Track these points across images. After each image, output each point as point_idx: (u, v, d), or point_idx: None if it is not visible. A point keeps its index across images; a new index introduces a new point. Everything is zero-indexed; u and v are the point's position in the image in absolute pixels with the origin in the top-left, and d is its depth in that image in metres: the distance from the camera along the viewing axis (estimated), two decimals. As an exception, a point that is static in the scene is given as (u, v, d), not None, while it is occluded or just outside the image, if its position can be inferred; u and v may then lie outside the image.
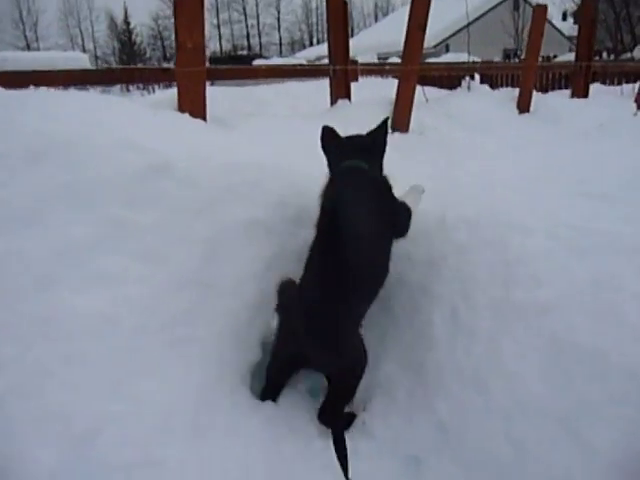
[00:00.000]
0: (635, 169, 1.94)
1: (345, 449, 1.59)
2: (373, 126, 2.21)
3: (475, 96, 6.22)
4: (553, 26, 24.11)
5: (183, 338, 1.60)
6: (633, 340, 1.29)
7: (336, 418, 1.74)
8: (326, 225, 1.80)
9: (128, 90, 14.17)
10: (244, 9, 53.38)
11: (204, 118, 3.55)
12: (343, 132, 4.84)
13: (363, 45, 22.96)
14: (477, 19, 23.80)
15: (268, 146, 2.73)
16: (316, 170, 2.53)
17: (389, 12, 50.63)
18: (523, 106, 6.09)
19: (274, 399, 1.82)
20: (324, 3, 5.05)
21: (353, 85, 5.36)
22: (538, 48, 6.26)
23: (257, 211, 1.95)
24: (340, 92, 5.18)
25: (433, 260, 1.82)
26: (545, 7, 6.18)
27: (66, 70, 4.63)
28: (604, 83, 9.76)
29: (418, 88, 5.26)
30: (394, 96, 4.91)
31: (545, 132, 4.80)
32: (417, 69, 4.94)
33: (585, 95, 7.29)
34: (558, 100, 6.59)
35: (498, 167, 2.38)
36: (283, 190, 2.09)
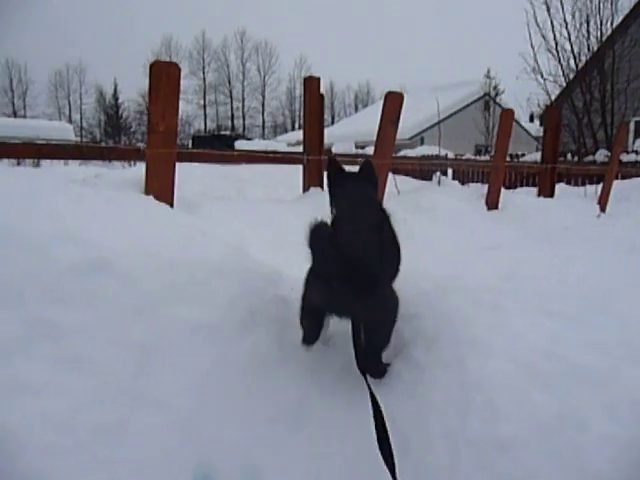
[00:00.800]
0: (601, 287, 1.88)
1: (388, 436, 1.41)
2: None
3: (445, 191, 6.36)
4: (521, 127, 25.59)
5: (103, 460, 1.40)
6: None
7: (376, 366, 1.77)
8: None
9: (110, 160, 14.24)
10: (230, 92, 55.65)
11: (171, 201, 3.49)
12: (306, 217, 4.80)
13: (342, 133, 23.89)
14: (450, 116, 25.15)
15: (230, 237, 2.64)
16: (278, 265, 2.45)
17: (368, 103, 53.38)
18: (492, 203, 6.24)
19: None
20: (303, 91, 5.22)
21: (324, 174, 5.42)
22: (505, 149, 6.52)
23: (202, 313, 1.81)
24: (313, 180, 5.24)
25: (386, 378, 1.69)
26: (512, 111, 6.51)
27: (34, 144, 4.61)
28: (568, 183, 10.18)
29: (390, 179, 5.34)
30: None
31: (512, 231, 4.86)
32: (388, 164, 5.05)
33: (551, 195, 7.55)
34: (525, 199, 6.78)
35: (464, 270, 2.31)
36: (232, 290, 1.96)
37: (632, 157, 12.49)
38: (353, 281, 1.61)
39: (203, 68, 54.52)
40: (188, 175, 7.77)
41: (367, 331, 1.75)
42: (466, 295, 1.93)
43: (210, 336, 1.75)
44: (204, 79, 54.71)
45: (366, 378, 1.60)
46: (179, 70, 3.51)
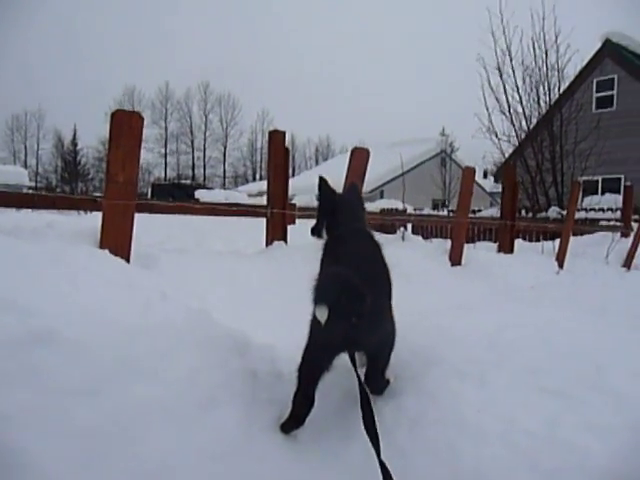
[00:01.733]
0: (591, 360, 1.77)
1: (373, 419, 1.51)
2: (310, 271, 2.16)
3: (409, 246, 6.32)
4: (477, 183, 26.50)
5: None
6: None
7: (379, 384, 1.89)
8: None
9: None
10: (192, 142, 55.81)
11: (127, 256, 3.28)
12: (277, 274, 4.62)
13: (304, 185, 24.04)
14: (409, 170, 25.84)
15: (191, 297, 2.45)
16: (243, 329, 2.26)
17: (329, 157, 54.52)
18: (455, 259, 6.23)
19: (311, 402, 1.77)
20: (267, 144, 5.16)
21: (290, 227, 5.31)
22: (467, 206, 6.59)
23: (160, 390, 1.59)
24: (276, 234, 5.10)
25: (371, 469, 1.50)
26: (473, 169, 6.63)
27: (-20, 193, 4.31)
28: (524, 239, 10.42)
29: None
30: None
31: (477, 288, 4.81)
32: (355, 218, 4.98)
33: (511, 251, 7.65)
34: (487, 255, 6.82)
35: (441, 336, 2.18)
36: (196, 361, 1.75)
37: (582, 214, 12.99)
38: (368, 315, 1.69)
39: (165, 118, 54.71)
40: (145, 224, 7.51)
41: (373, 357, 1.89)
42: (449, 368, 1.79)
43: (169, 418, 1.53)
44: (166, 128, 54.80)
45: (356, 369, 1.70)
46: (142, 120, 3.38)
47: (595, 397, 1.54)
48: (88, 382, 1.48)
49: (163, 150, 54.84)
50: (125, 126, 3.29)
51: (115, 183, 3.34)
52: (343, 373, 1.85)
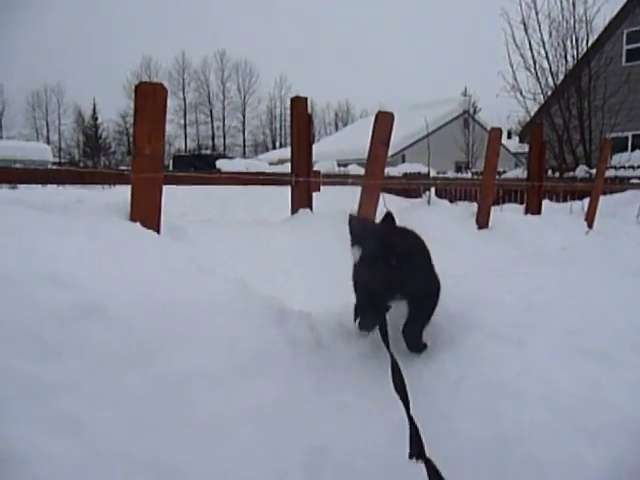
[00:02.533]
0: (630, 322, 1.75)
1: (402, 380, 1.55)
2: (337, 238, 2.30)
3: (435, 210, 6.28)
4: (501, 144, 25.93)
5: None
6: None
7: (419, 338, 1.94)
8: None
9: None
10: (211, 112, 55.57)
11: (157, 228, 3.33)
12: (305, 241, 4.64)
13: (324, 152, 23.90)
14: (431, 133, 25.38)
15: (224, 267, 2.48)
16: (277, 296, 2.29)
17: (348, 122, 53.76)
18: (482, 222, 6.16)
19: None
20: (287, 111, 5.11)
21: (315, 195, 5.30)
22: (494, 167, 6.48)
23: (201, 360, 1.63)
24: (302, 202, 5.10)
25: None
26: (500, 130, 6.48)
27: (6, 168, 4.39)
28: (551, 199, 10.24)
29: (380, 199, 5.24)
30: (356, 208, 4.86)
31: (506, 251, 4.76)
32: (380, 184, 4.95)
33: (538, 212, 7.53)
34: (514, 217, 6.73)
35: (475, 300, 2.17)
36: (235, 329, 1.79)
37: (612, 172, 12.65)
38: (408, 260, 1.85)
39: (183, 88, 54.45)
40: (169, 195, 7.56)
41: (415, 309, 1.94)
42: (486, 331, 1.79)
43: (211, 386, 1.57)
44: (184, 99, 54.60)
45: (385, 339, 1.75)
46: (166, 91, 3.37)
47: (636, 358, 1.53)
48: (134, 353, 1.52)
49: (182, 121, 54.82)
50: (150, 98, 3.28)
51: (142, 156, 3.36)
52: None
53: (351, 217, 2.23)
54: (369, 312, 1.97)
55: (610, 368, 1.49)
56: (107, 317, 1.54)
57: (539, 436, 1.30)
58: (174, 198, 7.53)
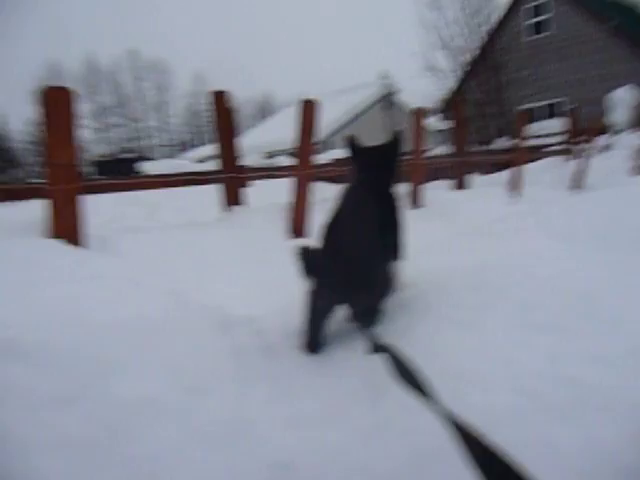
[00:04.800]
0: (577, 290, 1.75)
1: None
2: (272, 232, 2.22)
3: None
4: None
5: None
6: None
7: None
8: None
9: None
10: (129, 113, 53.33)
11: (82, 243, 3.09)
12: (240, 239, 4.47)
13: (250, 144, 23.53)
14: (356, 117, 25.62)
15: (159, 280, 2.30)
16: (221, 303, 2.14)
17: (272, 113, 53.32)
18: (415, 201, 6.23)
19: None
20: (209, 107, 4.90)
21: (244, 190, 5.14)
22: (421, 147, 6.55)
23: (141, 386, 1.47)
24: (232, 198, 4.93)
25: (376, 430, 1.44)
26: (422, 109, 6.55)
27: None
28: (478, 172, 10.54)
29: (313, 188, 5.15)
30: (288, 201, 4.75)
31: (445, 228, 4.81)
32: (311, 173, 4.85)
33: (468, 186, 7.73)
34: (446, 194, 6.87)
35: (422, 278, 2.13)
36: (177, 347, 1.64)
37: (531, 141, 13.20)
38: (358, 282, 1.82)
39: (97, 91, 51.86)
40: (92, 203, 7.12)
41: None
42: (441, 315, 1.74)
43: (157, 413, 1.42)
44: (98, 102, 52.05)
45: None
46: (75, 95, 3.11)
47: (591, 326, 1.52)
48: (63, 389, 1.35)
49: (98, 125, 52.26)
50: (58, 103, 3.02)
51: (56, 166, 3.10)
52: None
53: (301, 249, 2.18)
54: (316, 334, 1.93)
55: (567, 340, 1.48)
56: (28, 353, 1.35)
57: (509, 422, 1.25)
58: (98, 205, 7.10)
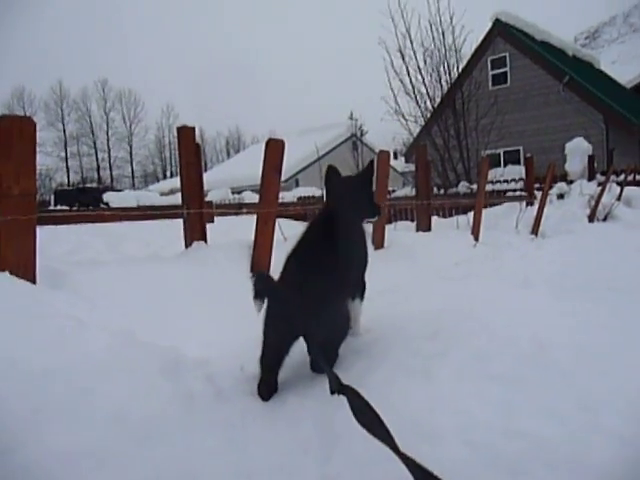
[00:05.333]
0: (527, 339, 1.77)
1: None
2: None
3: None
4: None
5: None
6: None
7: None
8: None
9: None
10: (94, 143, 52.79)
11: (33, 276, 2.97)
12: (200, 276, 4.40)
13: (217, 179, 23.56)
14: (322, 156, 26.01)
15: (110, 318, 2.22)
16: (175, 342, 2.07)
17: (240, 149, 53.69)
18: (378, 242, 6.28)
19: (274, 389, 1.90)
20: (176, 140, 4.88)
21: (209, 226, 5.09)
22: (385, 189, 6.65)
23: (82, 435, 1.39)
24: (195, 234, 4.86)
25: None
26: (388, 153, 6.69)
27: None
28: (438, 215, 10.78)
29: (276, 226, 5.15)
30: (252, 239, 4.73)
31: (405, 269, 4.85)
32: (275, 212, 4.86)
33: (429, 228, 7.86)
34: (407, 235, 6.95)
35: (380, 323, 2.12)
36: (123, 393, 1.57)
37: (489, 187, 13.63)
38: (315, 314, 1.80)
39: (62, 119, 51.19)
40: (52, 232, 6.92)
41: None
42: (395, 363, 1.73)
43: (98, 464, 1.34)
44: (64, 130, 51.33)
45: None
46: (34, 125, 3.06)
47: (543, 378, 1.53)
48: (-4, 440, 1.26)
49: (63, 153, 51.43)
50: (15, 133, 2.97)
51: (10, 197, 3.01)
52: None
53: (257, 275, 2.14)
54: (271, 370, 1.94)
55: (520, 391, 1.48)
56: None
57: (459, 476, 1.23)
58: (56, 235, 6.90)
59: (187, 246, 4.87)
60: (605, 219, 9.60)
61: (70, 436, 1.37)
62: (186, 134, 4.92)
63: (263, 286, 1.90)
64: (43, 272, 3.01)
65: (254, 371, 1.92)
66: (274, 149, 4.75)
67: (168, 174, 52.22)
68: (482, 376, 1.58)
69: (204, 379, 1.85)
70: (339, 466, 1.38)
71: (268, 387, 1.89)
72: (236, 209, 6.05)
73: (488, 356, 1.69)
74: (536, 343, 1.73)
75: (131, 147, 54.00)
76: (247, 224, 5.12)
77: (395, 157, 30.70)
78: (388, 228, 6.77)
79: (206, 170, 37.71)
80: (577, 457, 1.22)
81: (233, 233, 5.53)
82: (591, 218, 9.40)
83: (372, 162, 2.63)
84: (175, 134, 5.04)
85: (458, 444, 1.32)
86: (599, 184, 11.13)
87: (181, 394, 1.71)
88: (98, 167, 52.99)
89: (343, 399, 1.50)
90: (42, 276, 3.00)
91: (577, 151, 13.00)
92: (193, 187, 4.91)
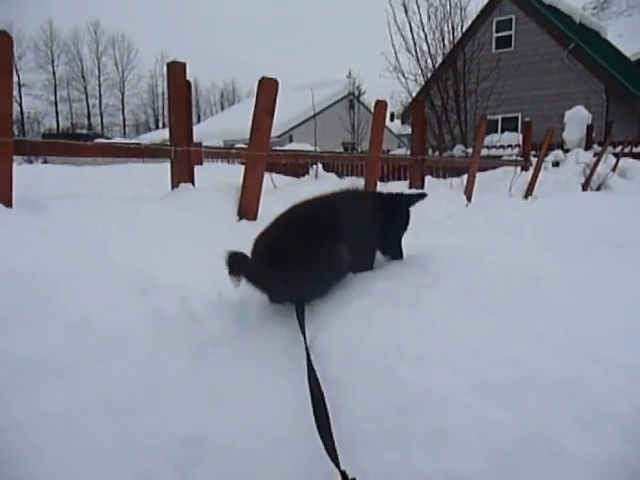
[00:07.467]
0: (520, 275, 1.69)
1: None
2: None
3: (323, 183, 6.17)
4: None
5: None
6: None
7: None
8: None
9: None
10: (85, 88, 51.41)
11: (9, 202, 2.83)
12: (185, 216, 4.28)
13: (210, 131, 23.09)
14: (318, 113, 25.51)
15: (85, 241, 2.10)
16: (148, 269, 1.96)
17: (235, 102, 52.61)
18: (370, 195, 6.16)
19: None
20: (166, 79, 4.67)
21: (197, 169, 4.93)
22: (380, 141, 6.48)
23: (38, 344, 1.29)
24: (182, 175, 4.70)
25: (302, 408, 1.32)
26: (385, 103, 6.48)
27: None
28: (431, 175, 10.64)
29: (266, 175, 5.00)
30: (241, 182, 4.58)
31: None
32: (265, 155, 4.70)
33: (422, 186, 7.74)
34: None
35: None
36: (84, 305, 1.46)
37: (484, 152, 13.46)
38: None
39: (52, 61, 49.58)
40: (38, 177, 6.72)
41: None
42: (379, 290, 1.63)
43: (55, 375, 1.24)
44: (54, 73, 49.81)
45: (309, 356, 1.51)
46: (10, 40, 2.85)
47: (535, 309, 1.45)
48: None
49: (52, 97, 50.08)
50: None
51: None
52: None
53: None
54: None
55: (510, 322, 1.40)
56: None
57: (444, 403, 1.15)
58: (42, 180, 6.70)
59: (173, 187, 4.71)
60: (599, 189, 9.52)
61: (25, 343, 1.27)
62: (176, 70, 4.69)
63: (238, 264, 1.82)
64: (20, 202, 2.87)
65: (232, 298, 1.81)
66: (267, 89, 4.55)
67: (160, 125, 51.25)
68: (472, 306, 1.50)
69: (177, 300, 1.75)
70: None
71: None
72: (226, 151, 5.86)
73: (479, 287, 1.60)
74: (528, 277, 1.65)
75: (123, 94, 52.75)
76: (237, 170, 4.97)
77: (392, 119, 30.27)
78: (381, 185, 6.64)
79: (199, 122, 37.02)
80: (567, 384, 1.15)
81: (222, 178, 5.38)
82: (585, 187, 9.32)
83: None
84: (166, 71, 4.82)
85: (444, 369, 1.24)
86: (595, 154, 11.01)
87: (151, 312, 1.61)
88: (89, 113, 51.82)
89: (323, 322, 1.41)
90: (19, 204, 2.86)
91: (576, 119, 12.81)
92: (182, 125, 4.71)
